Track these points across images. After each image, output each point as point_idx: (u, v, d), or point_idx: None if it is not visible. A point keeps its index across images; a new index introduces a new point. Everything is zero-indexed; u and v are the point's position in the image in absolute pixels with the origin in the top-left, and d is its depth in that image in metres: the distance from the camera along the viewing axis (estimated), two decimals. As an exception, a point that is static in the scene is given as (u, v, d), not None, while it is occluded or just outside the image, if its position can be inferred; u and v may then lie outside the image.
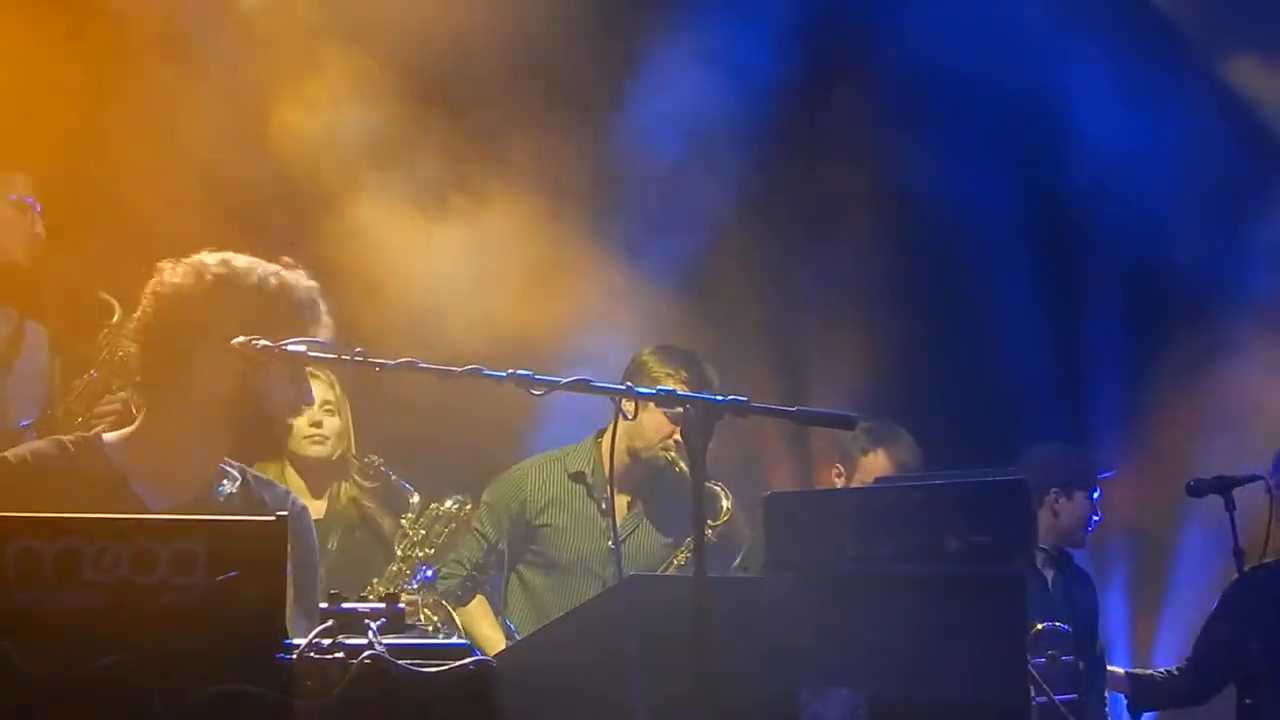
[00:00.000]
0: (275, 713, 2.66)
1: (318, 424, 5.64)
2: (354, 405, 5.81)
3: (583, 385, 3.50)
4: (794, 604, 3.40)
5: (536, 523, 5.76)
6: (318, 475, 5.71)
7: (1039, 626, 5.77)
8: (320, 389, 5.66)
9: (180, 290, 3.54)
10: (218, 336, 3.44)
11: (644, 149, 7.08)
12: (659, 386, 4.95)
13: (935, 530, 3.43)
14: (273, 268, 3.58)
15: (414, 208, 6.41)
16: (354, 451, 5.68)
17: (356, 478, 5.73)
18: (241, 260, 3.58)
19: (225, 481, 3.61)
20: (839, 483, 6.17)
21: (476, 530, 5.78)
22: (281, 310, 3.53)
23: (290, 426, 3.70)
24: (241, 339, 3.41)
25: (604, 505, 5.76)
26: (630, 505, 5.83)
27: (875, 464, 6.14)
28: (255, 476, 3.72)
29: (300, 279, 3.60)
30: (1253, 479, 6.47)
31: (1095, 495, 6.64)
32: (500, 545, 5.78)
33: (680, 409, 5.37)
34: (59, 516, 2.75)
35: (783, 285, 7.76)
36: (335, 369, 5.57)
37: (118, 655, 2.64)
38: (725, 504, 5.82)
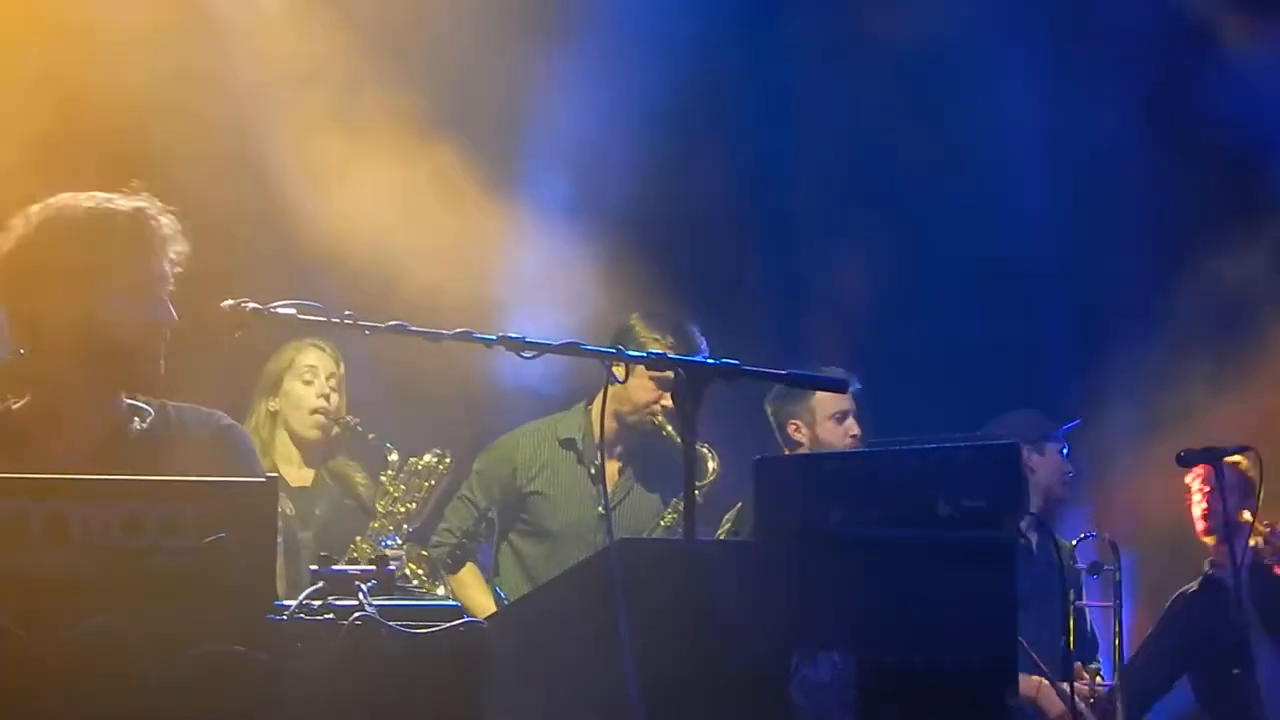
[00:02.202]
0: (265, 674, 2.69)
1: (325, 396, 5.63)
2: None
3: (573, 349, 3.53)
4: (784, 568, 3.41)
5: (527, 490, 5.79)
6: (313, 446, 5.72)
7: None
8: (328, 363, 5.67)
9: (13, 241, 3.52)
10: (53, 278, 3.44)
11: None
12: (648, 351, 5.02)
13: (926, 494, 3.45)
14: (104, 198, 3.53)
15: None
16: (355, 423, 5.67)
17: (343, 464, 5.73)
18: (70, 197, 3.54)
19: (135, 419, 3.56)
20: (800, 436, 6.15)
21: (466, 498, 5.80)
22: (114, 241, 3.48)
23: (153, 356, 3.53)
24: (230, 302, 3.40)
25: (594, 471, 5.78)
26: (620, 472, 5.86)
27: (826, 401, 6.10)
28: (175, 405, 3.64)
29: (134, 206, 3.54)
30: (1243, 450, 6.54)
31: (1065, 450, 6.63)
32: (490, 513, 5.80)
33: (668, 374, 5.47)
34: (48, 478, 2.78)
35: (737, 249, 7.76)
36: (327, 337, 5.60)
37: (107, 617, 2.66)
38: (712, 465, 5.83)
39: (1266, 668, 6.54)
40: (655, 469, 5.86)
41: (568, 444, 5.83)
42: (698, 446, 5.75)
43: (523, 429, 5.94)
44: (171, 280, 3.52)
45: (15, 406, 3.58)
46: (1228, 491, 6.38)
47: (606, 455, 5.83)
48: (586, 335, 3.90)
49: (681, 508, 5.70)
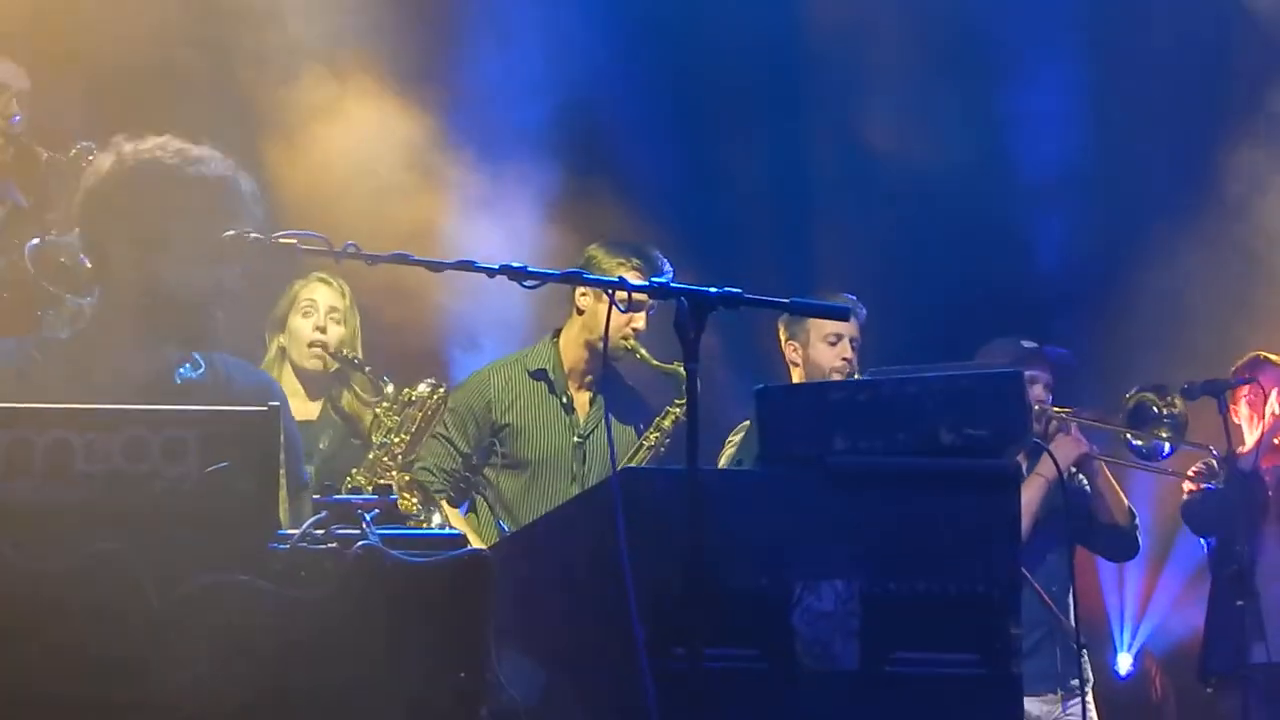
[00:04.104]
0: (269, 602, 2.71)
1: (322, 329, 5.62)
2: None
3: (575, 279, 3.53)
4: (787, 497, 3.41)
5: (502, 423, 5.78)
6: (316, 380, 5.72)
7: None
8: (330, 295, 5.67)
9: (97, 180, 3.55)
10: (128, 230, 3.48)
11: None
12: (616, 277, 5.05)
13: (930, 423, 3.45)
14: (194, 156, 3.55)
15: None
16: (352, 356, 5.66)
17: (356, 388, 5.72)
18: (160, 146, 3.55)
19: (186, 365, 3.60)
20: (796, 356, 6.14)
21: (442, 435, 5.75)
22: (197, 207, 3.50)
23: (213, 316, 3.59)
24: (232, 232, 3.41)
25: (566, 401, 5.79)
26: (591, 401, 5.85)
27: (821, 323, 6.06)
28: (224, 358, 3.70)
29: (220, 174, 3.55)
30: (1246, 382, 6.60)
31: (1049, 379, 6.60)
32: (466, 449, 5.77)
33: (641, 298, 5.49)
34: (48, 407, 2.78)
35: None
36: (335, 271, 5.59)
37: (110, 545, 2.68)
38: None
39: None
40: (625, 396, 5.86)
41: (538, 375, 5.83)
42: (678, 368, 5.77)
43: (492, 364, 5.95)
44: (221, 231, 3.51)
45: (67, 335, 3.63)
46: None
47: (577, 385, 5.83)
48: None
49: (665, 425, 5.78)
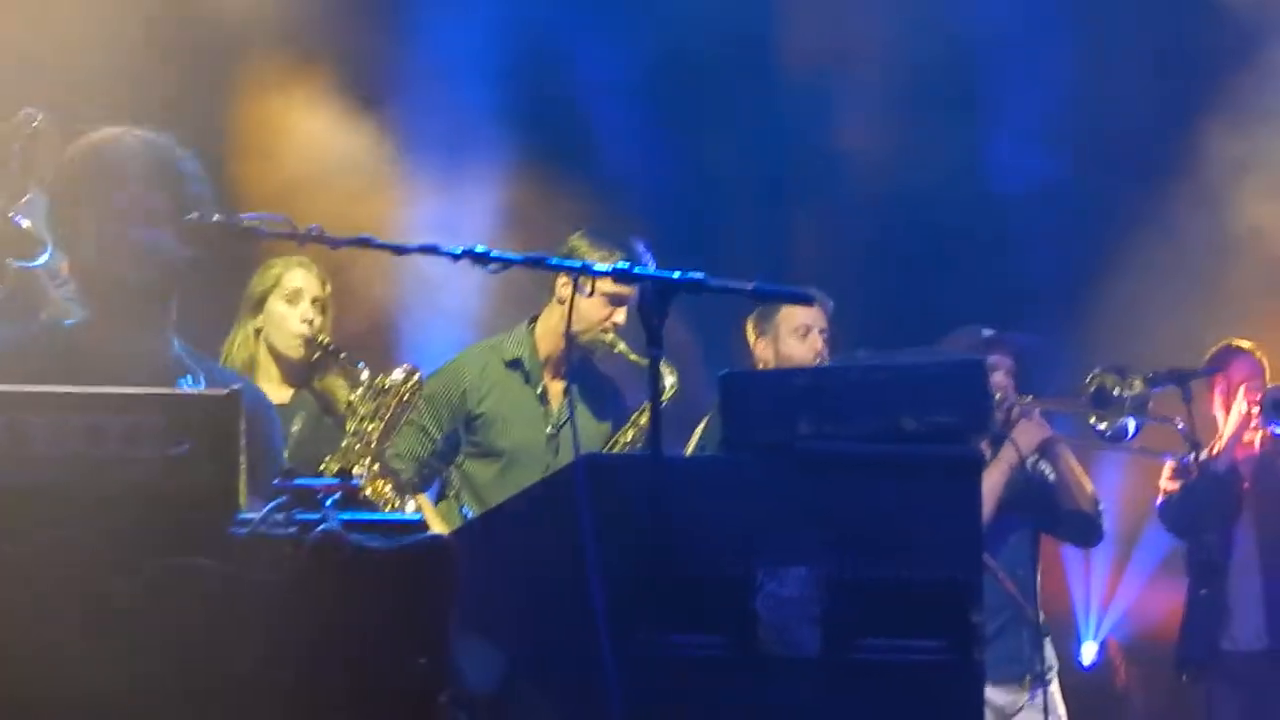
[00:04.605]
0: (228, 585, 2.69)
1: (309, 320, 5.61)
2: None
3: (539, 263, 3.52)
4: (750, 482, 3.42)
5: (477, 411, 5.78)
6: (294, 365, 5.71)
7: None
8: (313, 283, 5.65)
9: (66, 163, 3.66)
10: (78, 212, 3.57)
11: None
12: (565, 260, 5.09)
13: (893, 410, 3.46)
14: (124, 132, 3.63)
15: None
16: (329, 343, 5.66)
17: (333, 375, 5.71)
18: (105, 131, 3.63)
19: (186, 378, 3.64)
20: (766, 352, 6.14)
21: (415, 422, 5.73)
22: (125, 177, 3.57)
23: (164, 292, 3.66)
24: (195, 215, 3.42)
25: (540, 391, 5.78)
26: (565, 391, 5.83)
27: (790, 316, 6.07)
28: (221, 369, 3.84)
29: (145, 140, 3.63)
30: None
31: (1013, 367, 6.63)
32: (440, 438, 5.77)
33: (621, 291, 5.48)
34: (7, 390, 2.76)
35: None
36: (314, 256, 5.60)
37: (70, 529, 2.66)
38: (670, 380, 5.80)
39: None
40: (598, 387, 5.86)
41: (514, 364, 5.83)
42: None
43: (467, 351, 5.94)
44: (187, 215, 3.53)
45: (69, 324, 3.71)
46: None
47: (552, 376, 5.83)
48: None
49: (641, 422, 5.78)
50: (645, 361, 5.46)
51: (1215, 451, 6.78)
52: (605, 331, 5.70)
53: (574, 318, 5.67)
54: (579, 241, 5.76)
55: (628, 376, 5.95)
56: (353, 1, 7.05)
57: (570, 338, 5.71)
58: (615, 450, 5.79)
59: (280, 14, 6.82)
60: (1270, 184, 8.37)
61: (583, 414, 5.80)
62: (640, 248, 5.74)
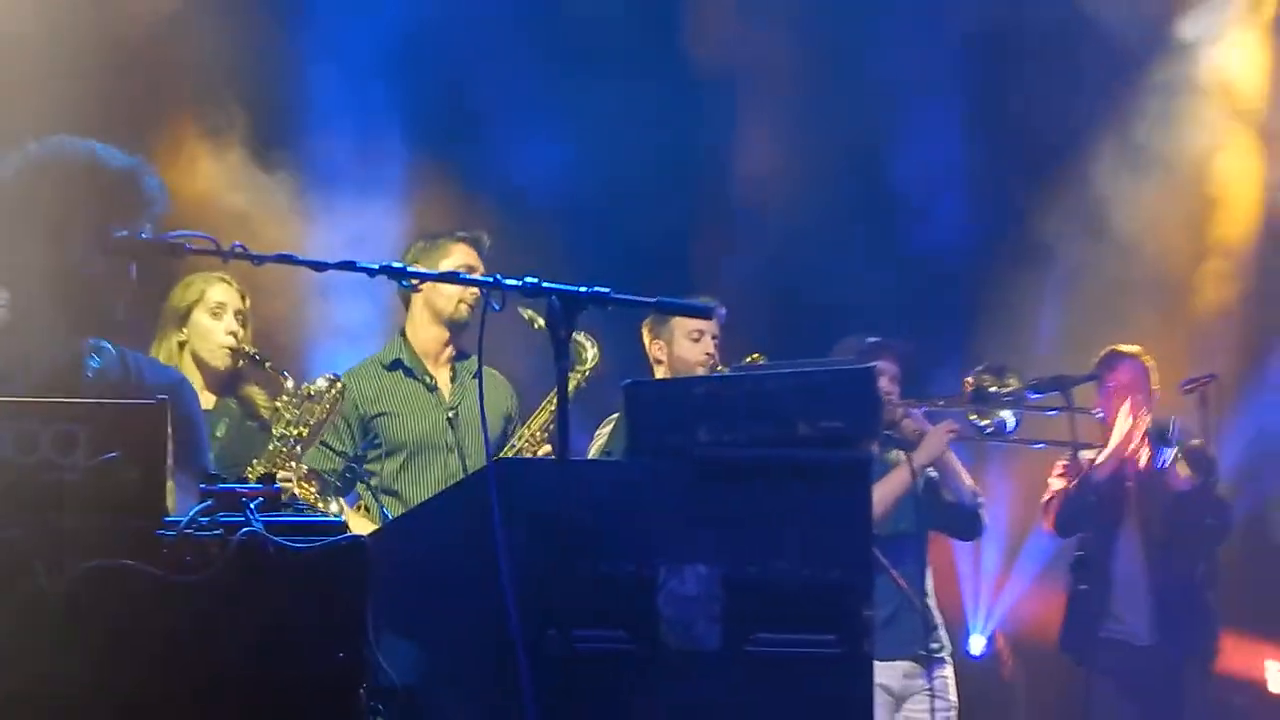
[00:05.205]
0: (155, 586, 2.75)
1: (234, 332, 5.67)
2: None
3: (451, 278, 3.61)
4: (653, 486, 3.48)
5: (373, 414, 5.88)
6: (218, 375, 5.75)
7: None
8: (235, 297, 5.71)
9: (5, 176, 3.60)
10: (37, 224, 3.53)
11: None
12: (448, 262, 5.53)
13: (787, 416, 3.52)
14: (99, 149, 3.61)
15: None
16: (255, 354, 5.72)
17: (257, 384, 5.77)
18: (63, 141, 3.61)
19: (95, 356, 3.65)
20: (661, 354, 6.24)
21: (321, 442, 5.82)
22: (103, 196, 3.56)
23: (118, 305, 3.68)
24: (124, 232, 3.45)
25: (428, 381, 5.90)
26: (453, 377, 5.96)
27: (684, 320, 6.18)
28: (133, 353, 3.77)
29: (127, 164, 3.62)
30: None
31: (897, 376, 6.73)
32: (342, 449, 5.86)
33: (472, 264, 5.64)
34: (-60, 399, 2.81)
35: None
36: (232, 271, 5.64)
37: (3, 531, 2.71)
38: (592, 352, 5.99)
39: None
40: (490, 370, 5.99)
41: (394, 365, 5.98)
42: (577, 338, 5.89)
43: (350, 370, 6.04)
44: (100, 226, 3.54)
45: None
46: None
47: (434, 365, 5.95)
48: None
49: (550, 407, 5.88)
50: (577, 339, 5.73)
51: (1098, 462, 6.85)
52: (464, 301, 5.83)
53: (432, 305, 5.93)
54: (419, 249, 5.91)
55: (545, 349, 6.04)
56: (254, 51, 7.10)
57: (441, 325, 5.95)
58: (529, 431, 5.91)
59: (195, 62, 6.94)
60: (1150, 203, 8.54)
61: (475, 394, 5.90)
62: (482, 234, 5.91)
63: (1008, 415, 6.61)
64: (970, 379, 6.65)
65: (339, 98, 7.22)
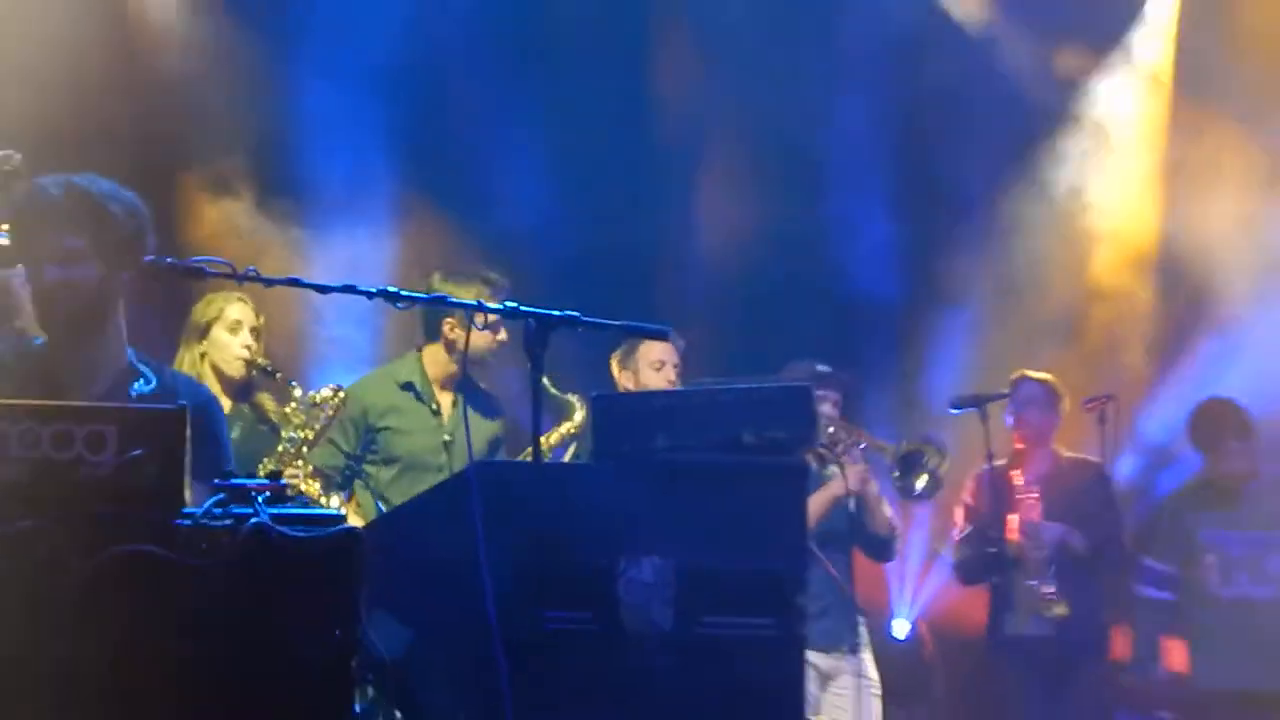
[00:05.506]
0: (172, 569, 2.72)
1: (249, 345, 5.69)
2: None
3: (439, 301, 3.58)
4: (615, 486, 3.49)
5: (379, 426, 5.86)
6: (234, 382, 5.77)
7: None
8: (250, 315, 5.73)
9: (14, 211, 3.62)
10: (27, 250, 3.55)
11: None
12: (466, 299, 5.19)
13: (735, 426, 3.53)
14: (59, 180, 3.56)
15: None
16: (267, 365, 5.72)
17: (269, 393, 5.77)
18: (46, 181, 3.58)
19: (139, 381, 3.63)
20: (629, 383, 6.22)
21: (329, 439, 5.82)
22: (36, 217, 3.53)
23: (93, 315, 3.61)
24: (150, 258, 3.43)
25: (434, 407, 5.87)
26: (454, 404, 5.93)
27: (649, 353, 6.18)
28: (172, 373, 3.76)
29: (56, 182, 3.56)
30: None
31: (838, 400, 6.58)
32: (348, 450, 5.84)
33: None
34: (-13, 401, 2.78)
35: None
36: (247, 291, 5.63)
37: (38, 519, 2.68)
38: (580, 414, 6.01)
39: None
40: (484, 399, 5.96)
41: (407, 386, 5.92)
42: (569, 398, 5.90)
43: (366, 378, 6.04)
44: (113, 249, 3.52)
45: (37, 342, 3.68)
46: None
47: (440, 389, 5.93)
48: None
49: (552, 440, 5.89)
50: (561, 396, 5.75)
51: (1004, 469, 6.82)
52: (490, 352, 5.80)
53: (454, 346, 5.83)
54: (443, 284, 5.85)
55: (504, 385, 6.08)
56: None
57: (456, 360, 5.83)
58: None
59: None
60: (1051, 243, 8.58)
61: (474, 419, 5.87)
62: (498, 277, 5.86)
63: (919, 483, 6.52)
64: (910, 443, 6.54)
65: (331, 141, 7.21)
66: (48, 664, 2.67)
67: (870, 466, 6.34)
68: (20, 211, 3.58)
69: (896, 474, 6.42)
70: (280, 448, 5.56)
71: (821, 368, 6.28)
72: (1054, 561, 6.55)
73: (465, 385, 5.87)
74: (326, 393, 5.66)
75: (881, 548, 6.46)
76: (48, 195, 3.53)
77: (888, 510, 6.37)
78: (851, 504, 6.14)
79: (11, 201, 3.66)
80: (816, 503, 5.86)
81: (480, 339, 5.72)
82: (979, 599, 6.94)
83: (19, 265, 3.76)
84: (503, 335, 5.77)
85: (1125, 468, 7.88)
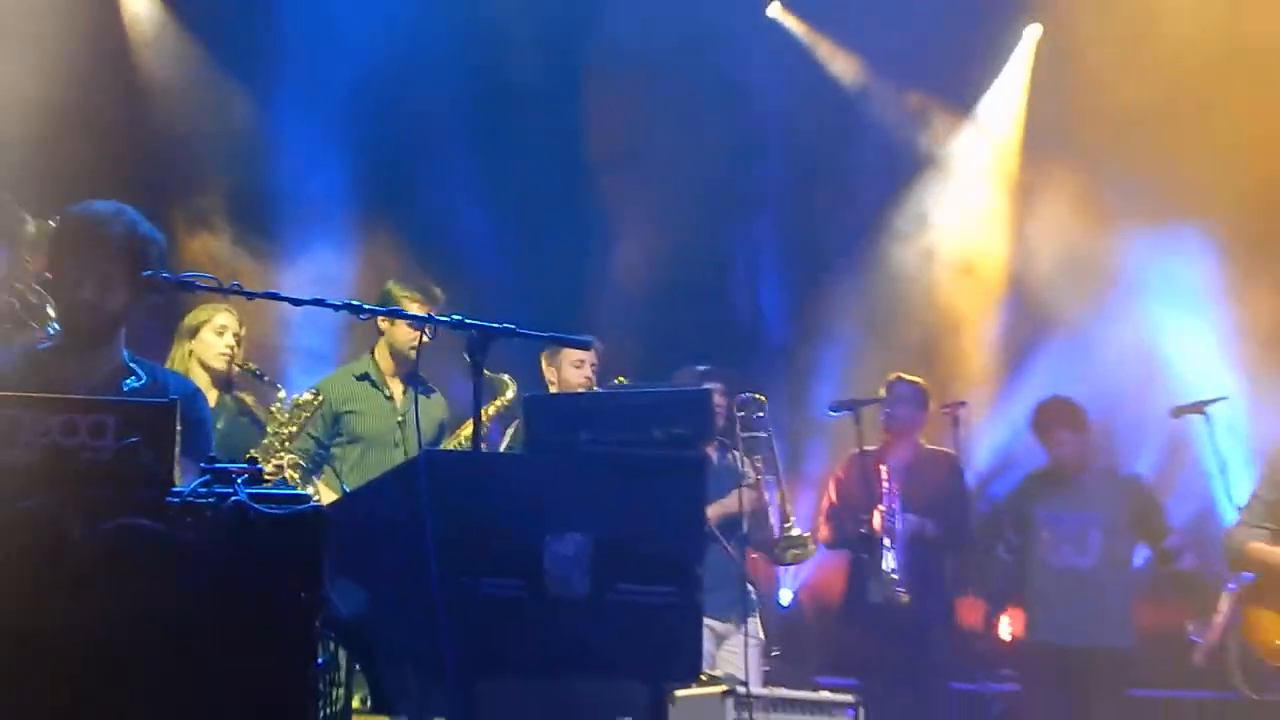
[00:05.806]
0: (162, 541, 2.74)
1: (232, 347, 5.75)
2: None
3: (397, 314, 3.62)
4: (544, 473, 3.52)
5: (343, 412, 5.99)
6: (219, 376, 5.80)
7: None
8: (234, 322, 5.79)
9: (51, 235, 3.72)
10: (61, 272, 3.59)
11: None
12: (397, 307, 5.49)
13: (646, 423, 3.57)
14: (110, 206, 3.60)
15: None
16: (247, 366, 5.77)
17: (241, 394, 5.81)
18: (80, 208, 3.63)
19: (131, 378, 3.63)
20: (552, 376, 6.27)
21: (307, 433, 5.88)
22: (58, 244, 3.61)
23: (100, 327, 3.65)
24: (150, 273, 3.45)
25: (387, 393, 5.98)
26: (405, 391, 6.01)
27: (571, 352, 6.20)
28: (163, 371, 3.78)
29: (72, 214, 3.62)
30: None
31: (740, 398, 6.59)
32: (319, 437, 5.94)
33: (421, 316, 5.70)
34: (7, 394, 2.79)
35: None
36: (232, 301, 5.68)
37: (47, 497, 2.70)
38: (510, 392, 6.14)
39: None
40: (429, 389, 6.09)
41: (363, 378, 6.12)
42: (502, 376, 6.01)
43: (328, 376, 6.23)
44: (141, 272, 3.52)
45: (41, 346, 3.70)
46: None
47: (391, 378, 6.06)
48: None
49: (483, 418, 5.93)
50: (493, 374, 5.81)
51: (874, 456, 6.90)
52: (414, 347, 5.84)
53: (393, 341, 6.00)
54: (393, 287, 6.05)
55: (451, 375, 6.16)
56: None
57: (399, 352, 5.99)
58: (459, 436, 5.99)
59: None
60: (920, 270, 8.71)
61: (424, 404, 6.00)
62: (436, 289, 5.99)
63: (788, 556, 6.53)
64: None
65: (299, 176, 7.25)
66: (56, 621, 2.68)
67: (765, 484, 6.41)
68: (73, 231, 3.57)
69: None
70: (265, 441, 5.66)
71: (701, 368, 6.32)
72: (907, 550, 6.65)
73: (413, 379, 5.98)
74: (307, 395, 5.79)
75: (769, 553, 6.55)
76: (100, 220, 3.54)
77: (773, 530, 6.44)
78: (745, 523, 6.18)
79: (64, 218, 3.63)
80: (715, 511, 5.95)
81: (402, 335, 5.90)
82: (844, 572, 7.06)
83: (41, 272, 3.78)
84: (425, 337, 5.84)
85: (976, 462, 8.04)
